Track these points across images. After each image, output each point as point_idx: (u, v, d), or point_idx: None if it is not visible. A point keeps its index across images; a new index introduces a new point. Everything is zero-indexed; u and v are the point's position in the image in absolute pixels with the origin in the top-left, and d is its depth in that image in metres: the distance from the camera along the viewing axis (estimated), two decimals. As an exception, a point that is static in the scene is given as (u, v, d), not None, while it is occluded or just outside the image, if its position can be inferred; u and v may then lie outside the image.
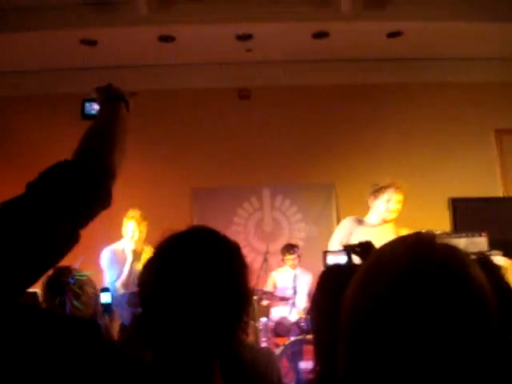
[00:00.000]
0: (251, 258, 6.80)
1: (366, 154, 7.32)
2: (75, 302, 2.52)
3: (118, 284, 4.95)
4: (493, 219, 5.88)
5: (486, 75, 7.53)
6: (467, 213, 6.10)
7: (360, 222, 4.40)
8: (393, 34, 6.67)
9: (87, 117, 1.65)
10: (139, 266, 4.98)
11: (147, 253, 5.14)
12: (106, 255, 5.06)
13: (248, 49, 6.94)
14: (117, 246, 5.12)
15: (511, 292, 1.79)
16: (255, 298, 4.80)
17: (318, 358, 1.74)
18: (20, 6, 5.98)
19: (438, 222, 5.49)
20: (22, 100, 7.14)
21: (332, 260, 2.23)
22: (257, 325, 4.83)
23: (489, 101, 7.57)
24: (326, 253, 2.25)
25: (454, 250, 0.88)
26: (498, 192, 7.43)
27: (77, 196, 1.18)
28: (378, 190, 4.40)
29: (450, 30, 6.61)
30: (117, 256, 5.05)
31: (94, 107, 1.63)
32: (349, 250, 2.18)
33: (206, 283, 1.17)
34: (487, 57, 7.38)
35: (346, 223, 4.41)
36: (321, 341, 1.76)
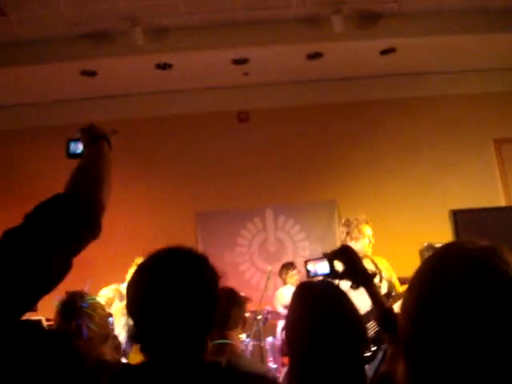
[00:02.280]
0: (256, 278, 6.83)
1: (366, 169, 7.37)
2: (90, 325, 2.58)
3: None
4: (495, 229, 5.89)
5: (482, 86, 7.60)
6: (469, 224, 6.12)
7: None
8: (386, 51, 6.76)
9: (72, 156, 1.76)
10: None
11: None
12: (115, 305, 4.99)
13: (245, 72, 7.05)
14: (123, 286, 5.06)
15: None
16: (259, 317, 4.82)
17: (293, 372, 1.78)
18: (20, 40, 6.13)
19: (440, 235, 5.51)
20: (23, 133, 7.25)
21: (312, 268, 2.24)
22: (262, 344, 4.84)
23: (486, 111, 7.63)
24: (306, 261, 2.26)
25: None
26: (500, 201, 7.45)
27: (70, 227, 1.29)
28: (354, 231, 4.44)
29: (443, 43, 6.69)
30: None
31: (79, 146, 1.73)
32: (329, 257, 2.19)
33: (180, 293, 1.45)
34: (482, 68, 7.46)
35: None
36: (295, 354, 1.79)
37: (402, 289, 4.40)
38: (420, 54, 6.89)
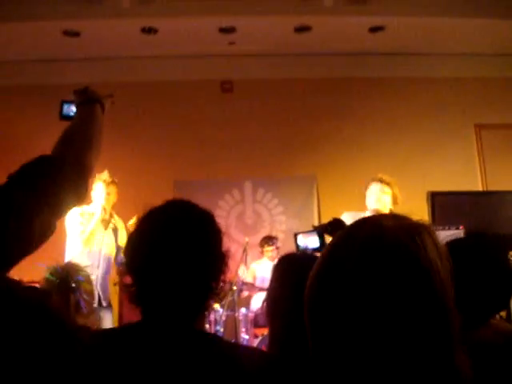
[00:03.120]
0: (232, 250, 6.82)
1: (348, 146, 7.37)
2: (85, 297, 2.57)
3: (81, 239, 4.79)
4: (471, 213, 5.95)
5: (467, 71, 7.62)
6: (446, 206, 6.16)
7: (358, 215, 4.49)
8: (375, 29, 6.72)
9: (65, 117, 1.72)
10: (107, 233, 4.96)
11: (118, 222, 5.10)
12: (73, 214, 4.80)
13: (231, 42, 6.95)
14: (86, 208, 4.92)
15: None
16: (235, 288, 4.83)
17: (272, 344, 1.78)
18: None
19: (417, 216, 5.55)
20: (4, 91, 7.08)
21: (302, 241, 2.21)
22: (236, 315, 4.87)
23: (469, 96, 7.66)
24: (296, 234, 2.22)
25: (403, 225, 0.92)
26: (477, 186, 7.52)
27: (55, 189, 1.24)
28: (367, 186, 4.61)
29: (432, 25, 6.67)
30: (84, 217, 4.85)
31: (72, 109, 1.71)
32: (320, 230, 2.16)
33: (184, 248, 1.35)
34: (469, 52, 7.46)
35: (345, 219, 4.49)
36: (275, 327, 1.79)
37: None
38: (409, 34, 6.85)
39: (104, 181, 4.94)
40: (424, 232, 0.92)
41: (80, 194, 1.34)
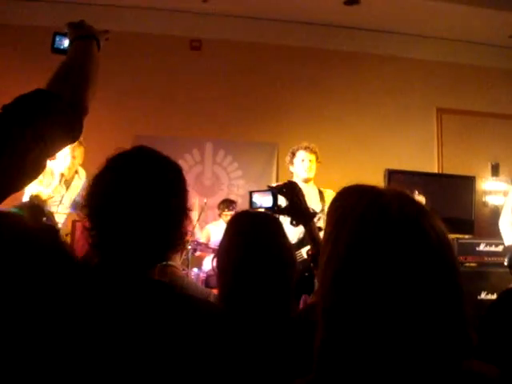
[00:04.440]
0: (189, 209, 6.83)
1: (310, 116, 7.39)
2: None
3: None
4: (426, 194, 6.08)
5: (435, 54, 7.70)
6: (401, 185, 6.27)
7: None
8: (350, 2, 6.69)
9: (56, 51, 1.66)
10: (70, 194, 4.75)
11: (81, 173, 4.87)
12: None
13: (204, -1, 6.83)
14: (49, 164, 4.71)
15: None
16: (189, 247, 4.84)
17: (222, 299, 1.81)
18: None
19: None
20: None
21: (258, 199, 2.23)
22: (188, 273, 4.89)
23: (434, 79, 7.77)
24: (251, 193, 2.24)
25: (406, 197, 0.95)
26: (433, 168, 7.69)
27: (51, 126, 1.21)
28: (290, 155, 4.57)
29: (407, 4, 6.69)
30: (45, 176, 4.46)
31: (64, 42, 1.64)
32: (274, 191, 2.19)
33: (150, 195, 1.31)
34: (439, 36, 7.53)
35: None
36: (224, 280, 1.81)
37: None
38: (383, 10, 6.86)
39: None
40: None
41: (74, 133, 1.31)
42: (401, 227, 0.89)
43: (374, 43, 7.55)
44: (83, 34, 1.54)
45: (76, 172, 4.90)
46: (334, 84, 7.58)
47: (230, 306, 1.73)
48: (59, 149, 1.28)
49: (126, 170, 1.34)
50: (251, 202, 2.23)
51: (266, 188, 2.26)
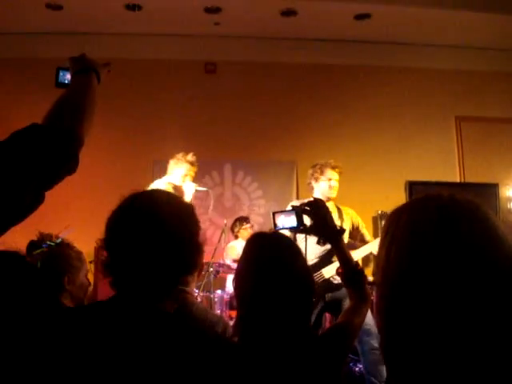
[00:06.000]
0: (210, 232, 6.83)
1: (328, 133, 7.38)
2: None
3: None
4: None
5: (450, 63, 7.66)
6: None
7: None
8: (361, 16, 6.70)
9: (60, 85, 1.69)
10: None
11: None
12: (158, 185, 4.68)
13: (216, 22, 6.88)
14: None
15: None
16: (211, 270, 4.83)
17: (238, 323, 1.78)
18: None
19: (394, 204, 5.56)
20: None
21: (282, 221, 2.18)
22: (212, 296, 4.88)
23: (451, 88, 7.71)
24: (274, 213, 2.19)
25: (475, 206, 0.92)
26: (455, 177, 7.60)
27: (45, 159, 1.22)
28: (317, 171, 4.49)
29: (418, 15, 6.67)
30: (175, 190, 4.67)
31: (67, 76, 1.67)
32: (298, 210, 2.14)
33: (159, 234, 1.40)
34: (452, 45, 7.50)
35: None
36: (240, 303, 1.79)
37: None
38: (394, 23, 6.85)
39: (191, 163, 4.90)
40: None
41: (71, 165, 1.32)
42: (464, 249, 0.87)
43: (387, 56, 7.53)
44: (83, 68, 1.56)
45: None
46: (350, 99, 7.56)
47: (247, 328, 1.71)
48: (56, 181, 1.29)
49: (137, 214, 1.44)
50: (274, 224, 2.18)
51: (288, 207, 2.22)
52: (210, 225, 6.86)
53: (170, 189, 4.58)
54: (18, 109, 6.10)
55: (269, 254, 1.76)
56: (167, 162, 6.98)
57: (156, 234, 1.39)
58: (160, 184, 4.67)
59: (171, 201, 1.51)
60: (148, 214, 1.43)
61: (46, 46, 6.80)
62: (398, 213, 0.98)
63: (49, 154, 1.24)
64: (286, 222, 2.15)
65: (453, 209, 0.92)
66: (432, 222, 0.90)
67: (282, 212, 2.20)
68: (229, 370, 1.38)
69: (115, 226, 1.44)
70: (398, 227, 0.94)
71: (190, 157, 4.92)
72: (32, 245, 2.66)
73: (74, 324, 1.34)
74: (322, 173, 4.47)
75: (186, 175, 4.91)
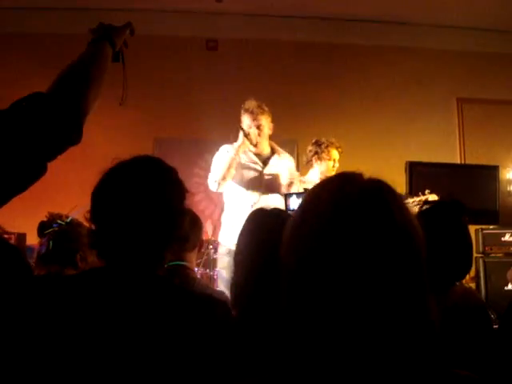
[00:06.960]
0: (210, 209, 6.84)
1: (329, 112, 7.35)
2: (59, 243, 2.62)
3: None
4: (448, 185, 6.02)
5: (453, 44, 7.61)
6: (424, 177, 6.23)
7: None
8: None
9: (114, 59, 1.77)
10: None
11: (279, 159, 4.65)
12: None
13: (218, -1, 6.83)
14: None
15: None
16: (211, 247, 4.84)
17: (232, 290, 1.81)
18: None
19: (394, 184, 5.59)
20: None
21: (294, 201, 2.20)
22: (211, 274, 4.89)
23: (454, 69, 7.67)
24: (286, 195, 2.21)
25: (379, 183, 0.93)
26: (456, 159, 7.60)
27: (47, 128, 1.21)
28: (324, 150, 4.48)
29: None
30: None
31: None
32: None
33: (143, 202, 1.41)
34: (456, 26, 7.44)
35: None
36: (237, 275, 1.82)
37: None
38: (398, 2, 6.79)
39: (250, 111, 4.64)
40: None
41: (74, 135, 1.31)
42: (365, 204, 0.90)
43: (389, 35, 7.49)
44: (95, 38, 1.55)
45: (274, 150, 4.82)
46: (351, 79, 7.52)
47: (241, 304, 1.74)
48: (58, 152, 1.28)
49: (122, 181, 1.45)
50: (286, 205, 2.19)
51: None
52: (209, 203, 6.86)
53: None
54: (19, 84, 6.08)
55: (260, 229, 1.79)
56: (169, 140, 7.00)
57: (139, 200, 1.40)
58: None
59: (153, 166, 1.51)
60: (129, 180, 1.44)
61: (44, 22, 6.75)
62: (318, 190, 0.98)
63: (50, 122, 1.23)
64: (299, 203, 2.16)
65: (375, 192, 0.92)
66: (354, 203, 0.92)
67: (295, 194, 2.21)
68: (230, 332, 1.40)
69: (99, 195, 1.45)
70: (317, 205, 0.94)
71: (248, 103, 4.69)
72: (43, 225, 2.68)
73: (70, 293, 1.35)
74: (328, 153, 4.49)
75: (250, 127, 4.70)
